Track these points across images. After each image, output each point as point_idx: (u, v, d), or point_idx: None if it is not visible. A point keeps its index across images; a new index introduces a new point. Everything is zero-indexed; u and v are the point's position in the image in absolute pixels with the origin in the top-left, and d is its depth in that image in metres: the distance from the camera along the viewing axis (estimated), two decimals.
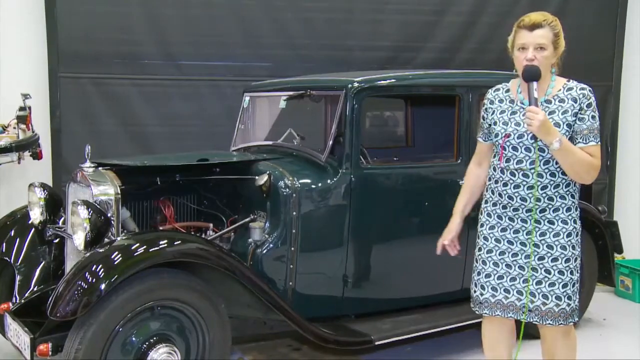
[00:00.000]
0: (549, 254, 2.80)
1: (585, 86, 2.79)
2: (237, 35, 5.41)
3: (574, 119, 2.74)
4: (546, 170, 2.77)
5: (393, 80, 3.97)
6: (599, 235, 4.58)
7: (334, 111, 3.75)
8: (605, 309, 5.07)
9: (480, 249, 2.96)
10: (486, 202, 2.96)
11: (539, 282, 2.81)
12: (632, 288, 5.36)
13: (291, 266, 3.54)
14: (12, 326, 3.26)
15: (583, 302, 4.56)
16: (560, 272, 2.79)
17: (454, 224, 3.07)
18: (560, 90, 2.79)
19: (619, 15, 6.09)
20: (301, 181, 3.59)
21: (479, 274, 2.95)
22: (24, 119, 4.73)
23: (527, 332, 3.73)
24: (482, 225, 2.96)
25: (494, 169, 2.91)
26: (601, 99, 6.03)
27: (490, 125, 2.93)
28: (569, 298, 2.80)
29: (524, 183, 2.79)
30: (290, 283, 3.55)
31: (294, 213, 3.53)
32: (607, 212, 4.93)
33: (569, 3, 5.95)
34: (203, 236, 3.70)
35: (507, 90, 2.93)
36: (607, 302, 5.27)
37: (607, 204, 6.05)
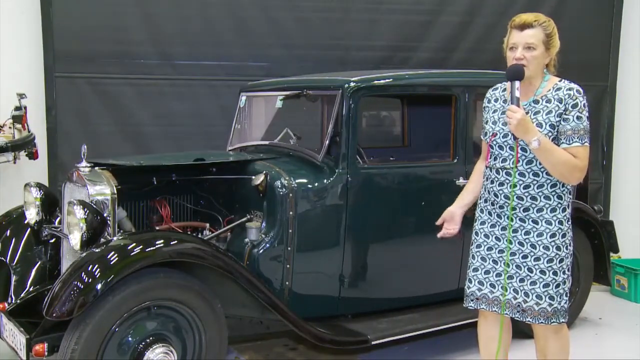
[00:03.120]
0: (532, 253, 2.82)
1: (573, 86, 2.80)
2: (233, 35, 5.40)
3: (558, 119, 2.76)
4: (529, 170, 2.80)
5: (389, 79, 3.97)
6: (595, 234, 4.59)
7: (331, 111, 3.75)
8: (601, 308, 5.09)
9: (471, 244, 3.02)
10: (480, 198, 3.02)
11: (521, 280, 2.85)
12: (627, 287, 5.37)
13: (288, 266, 3.54)
14: (8, 326, 3.26)
15: (579, 301, 4.58)
16: (542, 272, 2.81)
17: (449, 208, 3.09)
18: (549, 90, 2.81)
19: (615, 16, 6.10)
20: (298, 181, 3.59)
21: (468, 267, 3.02)
22: (19, 118, 4.72)
23: (522, 330, 3.76)
24: (475, 221, 3.03)
25: (485, 167, 2.97)
26: (597, 99, 6.05)
27: (484, 123, 3.00)
28: (551, 298, 2.81)
29: (507, 181, 2.83)
30: (287, 283, 3.55)
31: (291, 213, 3.53)
32: (603, 212, 4.95)
33: (564, 3, 5.96)
34: (199, 236, 3.70)
35: (504, 90, 2.97)
36: (603, 301, 5.29)
37: (603, 203, 6.06)
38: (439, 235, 3.10)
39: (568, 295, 2.89)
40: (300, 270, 3.57)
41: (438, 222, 3.11)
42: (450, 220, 3.08)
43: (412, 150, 5.00)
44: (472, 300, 2.99)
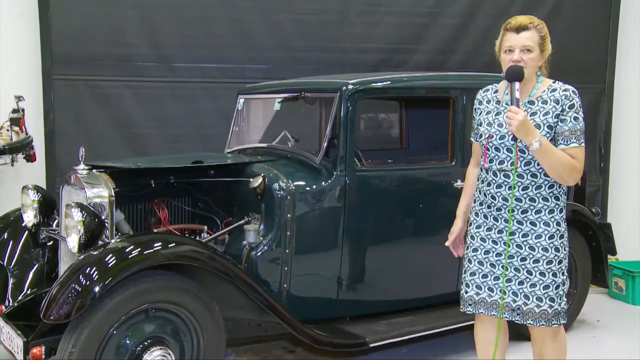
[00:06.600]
0: (530, 255, 2.82)
1: (568, 87, 2.81)
2: (231, 38, 5.41)
3: (555, 120, 2.76)
4: (527, 171, 2.80)
5: (387, 82, 3.97)
6: (593, 237, 4.59)
7: (329, 113, 3.75)
8: (599, 310, 5.09)
9: (467, 247, 3.01)
10: (475, 201, 3.00)
11: (520, 282, 2.84)
12: (625, 289, 5.37)
13: (286, 268, 3.54)
14: (5, 329, 3.25)
15: (577, 303, 4.58)
16: (542, 274, 2.81)
17: (456, 227, 3.12)
18: (544, 91, 2.81)
19: (612, 18, 6.11)
20: (295, 183, 3.59)
21: (465, 272, 3.00)
22: (17, 121, 4.72)
23: (519, 332, 3.76)
24: (470, 225, 3.01)
25: (480, 169, 2.95)
26: (594, 101, 6.06)
27: (477, 125, 2.97)
28: (551, 300, 2.81)
29: (506, 183, 2.83)
30: (285, 285, 3.55)
31: (289, 215, 3.52)
32: (600, 214, 4.95)
33: (562, 6, 5.96)
34: (197, 238, 3.69)
35: (496, 91, 2.97)
36: (600, 303, 5.29)
37: (601, 205, 6.07)
38: (455, 254, 3.14)
39: (566, 296, 2.89)
40: (298, 272, 3.57)
41: (449, 243, 3.11)
42: (455, 246, 3.13)
43: (410, 152, 5.00)
44: (470, 305, 2.98)
